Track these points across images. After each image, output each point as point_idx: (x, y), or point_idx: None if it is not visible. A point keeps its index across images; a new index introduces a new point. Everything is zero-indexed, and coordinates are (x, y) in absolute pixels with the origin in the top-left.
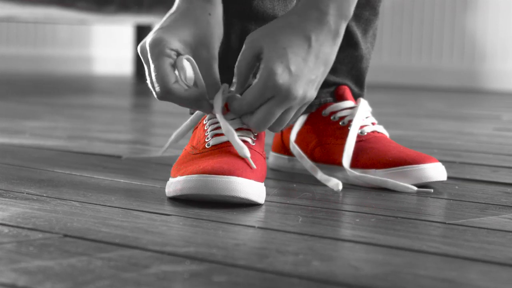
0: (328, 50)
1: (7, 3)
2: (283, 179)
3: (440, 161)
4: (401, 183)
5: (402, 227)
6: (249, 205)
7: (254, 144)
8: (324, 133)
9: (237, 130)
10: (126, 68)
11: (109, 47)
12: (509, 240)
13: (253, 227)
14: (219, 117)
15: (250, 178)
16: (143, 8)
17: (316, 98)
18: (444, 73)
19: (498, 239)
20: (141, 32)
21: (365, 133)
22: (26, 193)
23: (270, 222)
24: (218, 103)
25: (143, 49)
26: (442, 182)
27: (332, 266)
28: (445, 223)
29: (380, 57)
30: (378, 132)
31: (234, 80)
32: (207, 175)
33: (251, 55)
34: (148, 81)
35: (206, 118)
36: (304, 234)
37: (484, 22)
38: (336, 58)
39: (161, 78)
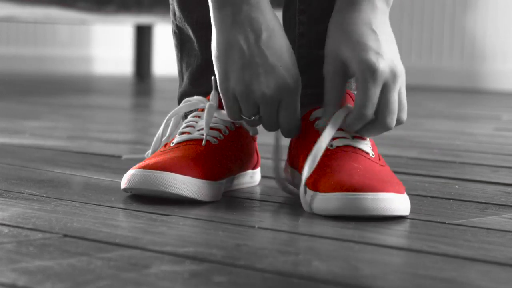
0: (388, 29)
1: (7, 3)
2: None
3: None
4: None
5: (402, 227)
6: (249, 205)
7: (216, 143)
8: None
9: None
10: (126, 68)
11: (109, 47)
12: (509, 240)
13: (253, 227)
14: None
15: (187, 175)
16: (143, 8)
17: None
18: (444, 73)
19: (498, 239)
20: (141, 32)
21: (334, 147)
22: (26, 193)
23: (270, 222)
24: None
25: (279, 88)
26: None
27: (332, 266)
28: (445, 223)
29: None
30: (354, 147)
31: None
32: (146, 170)
33: (338, 67)
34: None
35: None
36: (304, 234)
37: (484, 22)
38: None
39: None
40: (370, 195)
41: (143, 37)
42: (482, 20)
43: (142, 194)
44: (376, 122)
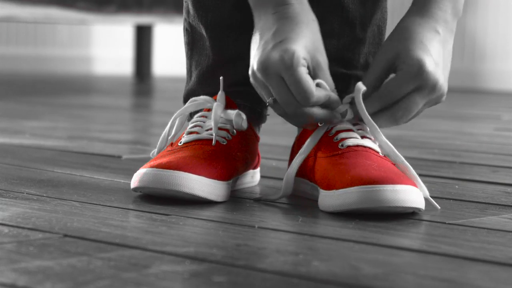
0: (450, 46)
1: (7, 3)
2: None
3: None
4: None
5: (402, 227)
6: (249, 205)
7: (225, 143)
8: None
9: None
10: (126, 68)
11: (109, 47)
12: (509, 240)
13: (253, 227)
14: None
15: (200, 175)
16: (143, 8)
17: None
18: None
19: (498, 239)
20: (141, 32)
21: (345, 146)
22: (26, 193)
23: (270, 222)
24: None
25: (269, 65)
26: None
27: (332, 266)
28: (445, 223)
29: None
30: (364, 147)
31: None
32: (159, 169)
33: (386, 58)
34: (279, 97)
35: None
36: (304, 234)
37: (484, 22)
38: None
39: (306, 86)
40: (389, 187)
41: (143, 37)
42: (482, 20)
43: (153, 193)
44: (387, 111)
